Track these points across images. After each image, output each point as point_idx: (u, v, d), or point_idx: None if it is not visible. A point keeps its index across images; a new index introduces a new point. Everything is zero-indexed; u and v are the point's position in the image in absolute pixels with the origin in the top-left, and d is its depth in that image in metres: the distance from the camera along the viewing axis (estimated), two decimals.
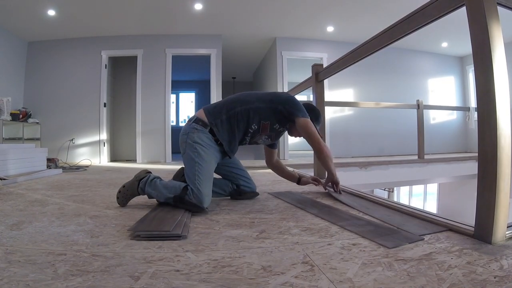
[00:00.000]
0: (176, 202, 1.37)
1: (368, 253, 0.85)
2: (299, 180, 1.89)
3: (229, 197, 1.69)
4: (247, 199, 1.67)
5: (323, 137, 2.44)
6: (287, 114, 1.53)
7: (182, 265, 0.78)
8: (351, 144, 5.54)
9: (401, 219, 1.20)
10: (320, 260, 0.80)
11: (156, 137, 5.16)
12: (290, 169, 2.24)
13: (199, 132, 1.47)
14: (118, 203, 1.49)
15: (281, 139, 4.78)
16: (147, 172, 1.55)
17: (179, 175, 1.60)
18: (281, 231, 1.08)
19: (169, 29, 5.09)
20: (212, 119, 1.50)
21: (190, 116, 1.59)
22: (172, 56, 5.26)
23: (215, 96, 5.24)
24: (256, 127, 1.54)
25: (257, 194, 1.74)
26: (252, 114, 1.51)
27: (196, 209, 1.34)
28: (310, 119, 1.59)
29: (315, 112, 1.72)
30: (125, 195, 1.48)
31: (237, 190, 1.67)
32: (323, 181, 1.86)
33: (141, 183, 1.47)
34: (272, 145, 1.82)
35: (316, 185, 1.90)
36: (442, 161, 4.71)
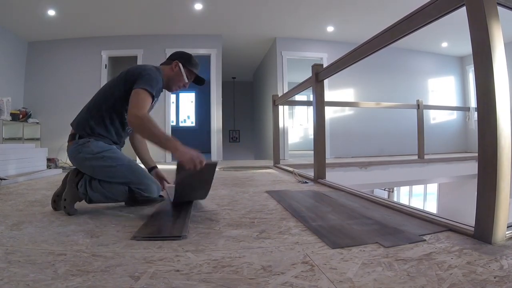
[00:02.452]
0: (130, 204, 1.34)
1: (368, 253, 0.85)
2: (150, 170, 1.66)
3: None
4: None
5: (323, 137, 2.46)
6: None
7: (182, 265, 0.78)
8: (351, 144, 5.54)
9: (401, 219, 1.20)
10: (320, 260, 0.80)
11: None
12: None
13: (90, 143, 1.34)
14: (70, 214, 1.30)
15: (281, 139, 4.81)
16: (77, 173, 1.38)
17: (73, 178, 1.38)
18: (281, 231, 1.08)
19: (169, 29, 5.09)
20: (83, 131, 1.37)
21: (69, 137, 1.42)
22: None
23: (215, 96, 5.25)
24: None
25: (162, 198, 1.49)
26: (117, 104, 1.38)
27: (152, 202, 1.32)
28: (182, 64, 1.51)
29: (185, 55, 1.56)
30: (70, 206, 1.31)
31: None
32: (170, 185, 1.58)
33: (80, 188, 1.33)
34: None
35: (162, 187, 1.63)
36: (442, 161, 4.71)
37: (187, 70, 1.55)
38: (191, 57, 1.58)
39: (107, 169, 1.31)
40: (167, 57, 1.59)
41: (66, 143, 1.42)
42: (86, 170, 1.35)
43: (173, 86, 1.57)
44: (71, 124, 1.44)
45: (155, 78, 1.36)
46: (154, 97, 1.34)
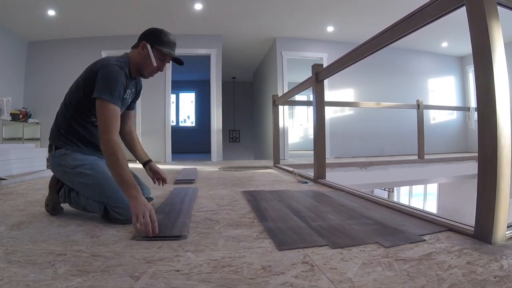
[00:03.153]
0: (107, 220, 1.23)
1: (368, 253, 0.85)
2: (144, 164, 1.54)
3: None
4: None
5: (323, 137, 2.47)
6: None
7: (182, 265, 0.78)
8: (351, 144, 5.54)
9: (401, 219, 1.20)
10: (320, 260, 0.80)
11: (156, 137, 5.16)
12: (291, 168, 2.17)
13: (69, 155, 1.26)
14: (53, 214, 1.32)
15: (281, 139, 4.81)
16: (57, 180, 1.34)
17: (54, 185, 1.35)
18: None
19: (169, 29, 4.91)
20: (57, 141, 1.29)
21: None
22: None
23: (215, 96, 5.24)
24: (96, 118, 1.22)
25: (151, 199, 1.48)
26: (79, 110, 1.26)
27: (129, 222, 1.12)
28: (151, 45, 1.28)
29: (154, 34, 1.32)
30: (53, 208, 1.32)
31: None
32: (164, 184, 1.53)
33: (60, 197, 1.31)
34: (129, 107, 1.51)
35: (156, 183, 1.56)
36: (442, 161, 4.71)
37: (156, 51, 1.30)
38: (161, 33, 1.32)
39: (83, 186, 1.23)
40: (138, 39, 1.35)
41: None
42: (66, 182, 1.29)
43: (144, 71, 1.35)
44: (49, 136, 1.35)
45: (114, 78, 1.18)
46: (116, 104, 1.17)
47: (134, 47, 1.34)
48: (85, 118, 1.28)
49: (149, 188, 1.49)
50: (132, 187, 1.08)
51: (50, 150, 1.32)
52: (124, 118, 1.47)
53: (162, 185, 1.55)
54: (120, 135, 1.45)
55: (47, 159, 3.65)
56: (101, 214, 1.23)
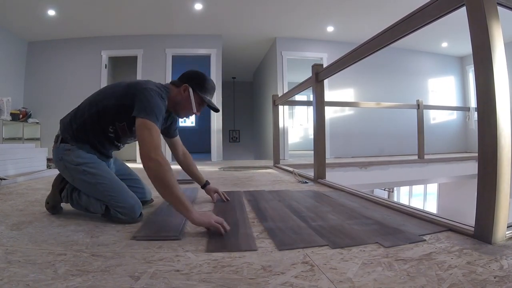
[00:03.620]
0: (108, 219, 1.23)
1: (368, 253, 0.85)
2: (204, 186, 1.65)
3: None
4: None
5: (323, 137, 2.47)
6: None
7: (182, 265, 0.78)
8: (351, 144, 5.54)
9: (401, 219, 1.20)
10: (320, 260, 0.80)
11: None
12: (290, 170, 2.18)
13: (73, 151, 1.24)
14: (52, 213, 1.33)
15: (281, 139, 4.81)
16: (62, 178, 1.34)
17: (58, 184, 1.34)
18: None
19: (169, 29, 5.09)
20: (65, 133, 1.28)
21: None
22: (172, 56, 5.26)
23: (215, 96, 5.24)
24: (113, 130, 1.26)
25: (152, 201, 1.51)
26: (101, 115, 1.23)
27: (131, 221, 1.18)
28: (193, 89, 1.29)
29: (197, 78, 1.32)
30: (53, 207, 1.33)
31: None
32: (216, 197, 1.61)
33: (63, 198, 1.31)
34: (167, 134, 1.55)
35: (213, 201, 1.61)
36: (442, 161, 4.71)
37: (197, 97, 1.31)
38: (205, 80, 1.33)
39: (85, 184, 1.23)
40: (178, 77, 1.36)
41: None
42: (67, 177, 1.29)
43: (181, 112, 1.36)
44: (60, 121, 1.34)
45: (159, 105, 1.17)
46: (158, 127, 1.16)
47: (174, 83, 1.34)
48: (102, 124, 1.26)
49: (149, 189, 1.49)
50: (186, 203, 1.03)
51: (56, 141, 1.31)
52: (173, 144, 1.59)
53: (222, 196, 1.64)
54: (175, 156, 1.62)
55: (48, 159, 3.66)
56: (102, 213, 1.23)
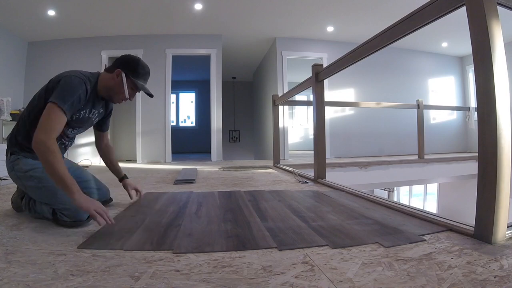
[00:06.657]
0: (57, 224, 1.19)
1: (368, 253, 0.85)
2: (121, 179, 1.62)
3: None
4: None
5: (323, 137, 2.47)
6: None
7: (182, 265, 0.78)
8: (351, 144, 5.54)
9: (401, 219, 1.20)
10: (320, 260, 0.80)
11: (156, 137, 5.16)
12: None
13: (21, 160, 1.24)
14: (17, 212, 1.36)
15: (281, 139, 4.82)
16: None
17: (18, 198, 1.36)
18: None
19: (169, 29, 5.09)
20: (13, 148, 1.27)
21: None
22: (172, 56, 5.26)
23: (215, 96, 5.24)
24: None
25: (111, 200, 1.54)
26: (38, 119, 1.14)
27: (77, 224, 1.14)
28: (126, 74, 1.29)
29: (130, 63, 1.31)
30: (16, 208, 1.36)
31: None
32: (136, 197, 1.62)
33: (23, 206, 1.31)
34: (100, 128, 1.55)
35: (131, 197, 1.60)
36: (442, 161, 4.71)
37: (130, 82, 1.31)
38: (138, 65, 1.33)
39: (34, 190, 1.22)
40: (112, 63, 1.34)
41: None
42: (20, 186, 1.30)
43: (114, 97, 1.35)
44: (7, 138, 1.34)
45: (71, 89, 1.16)
46: (65, 112, 1.13)
47: (107, 70, 1.34)
48: None
49: (107, 188, 1.51)
50: (70, 183, 1.04)
51: (6, 154, 1.30)
52: (100, 136, 1.56)
53: (140, 196, 1.65)
54: (98, 148, 1.59)
55: None
56: (50, 218, 1.19)
